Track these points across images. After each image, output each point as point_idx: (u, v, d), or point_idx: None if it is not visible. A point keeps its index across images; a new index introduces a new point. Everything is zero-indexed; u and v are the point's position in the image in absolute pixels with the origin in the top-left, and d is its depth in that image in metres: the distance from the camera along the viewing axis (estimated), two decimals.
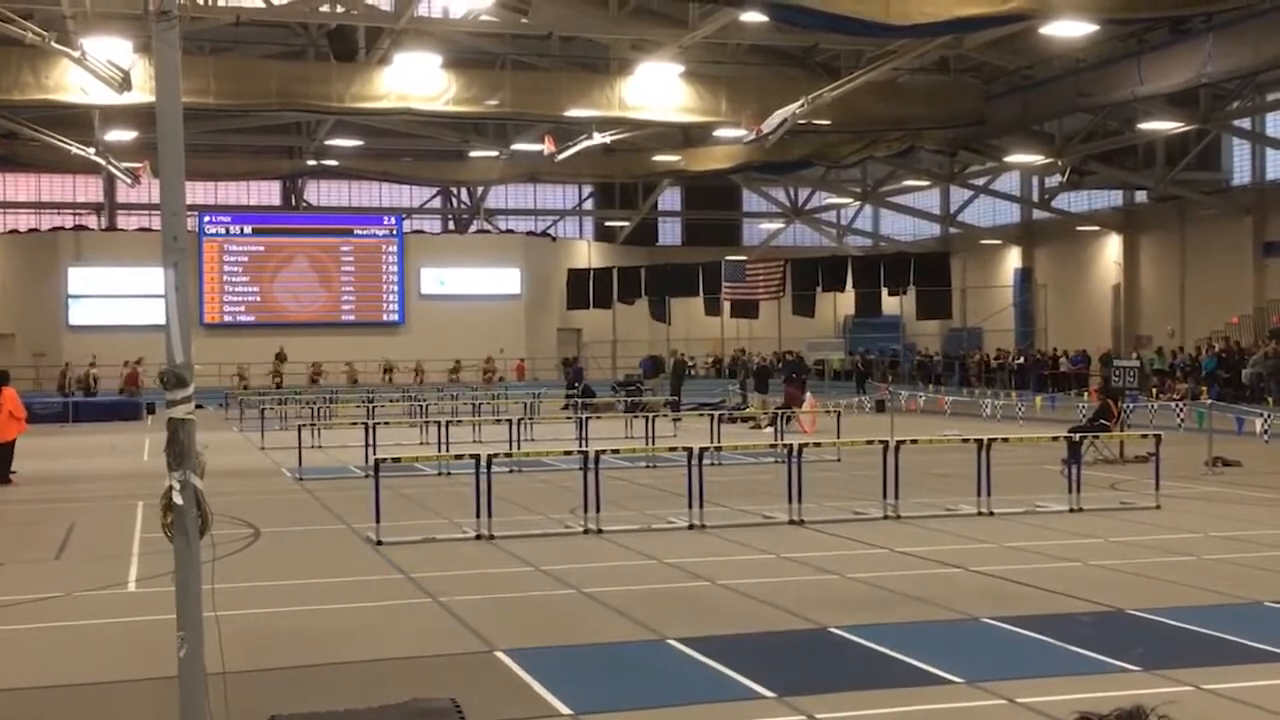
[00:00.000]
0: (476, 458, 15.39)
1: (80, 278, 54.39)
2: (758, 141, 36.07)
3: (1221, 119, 42.04)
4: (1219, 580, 11.76)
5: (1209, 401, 27.68)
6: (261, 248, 56.25)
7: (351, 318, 57.11)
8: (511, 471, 20.98)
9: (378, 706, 7.70)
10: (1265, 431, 25.10)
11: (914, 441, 18.41)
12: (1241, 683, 8.24)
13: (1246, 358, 39.13)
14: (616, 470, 20.63)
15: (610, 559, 13.40)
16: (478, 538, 14.66)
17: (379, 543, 14.25)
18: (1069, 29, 29.73)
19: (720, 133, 41.93)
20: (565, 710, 7.83)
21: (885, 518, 15.95)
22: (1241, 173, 46.02)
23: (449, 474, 21.12)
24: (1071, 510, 16.40)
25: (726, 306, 53.76)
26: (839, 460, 22.34)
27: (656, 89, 37.33)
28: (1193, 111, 40.20)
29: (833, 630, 9.84)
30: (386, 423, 28.84)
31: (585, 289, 57.27)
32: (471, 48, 42.96)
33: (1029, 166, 49.26)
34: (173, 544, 6.50)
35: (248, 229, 56.58)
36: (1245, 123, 43.99)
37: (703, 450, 16.52)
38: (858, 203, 63.91)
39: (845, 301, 55.84)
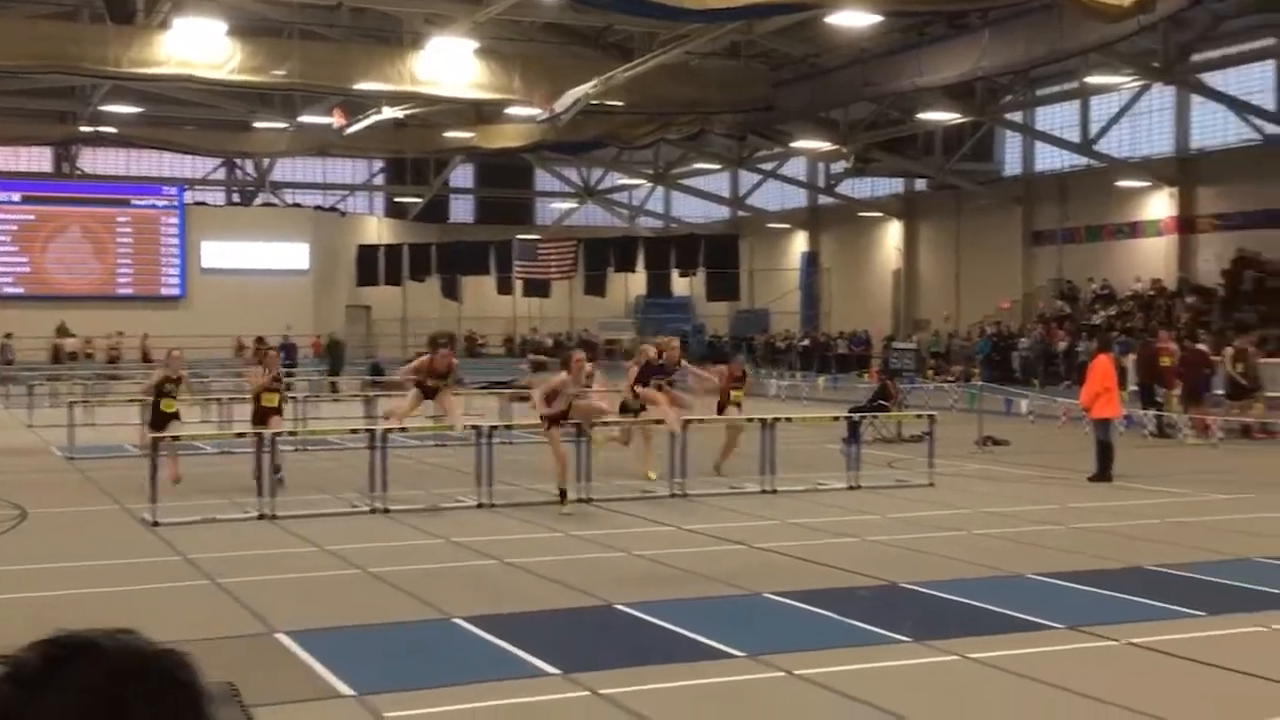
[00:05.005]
0: (259, 435, 15.05)
1: None
2: (551, 121, 36.02)
3: (995, 112, 43.78)
4: (987, 554, 12.30)
5: (979, 383, 28.84)
6: (32, 216, 53.59)
7: (129, 291, 54.90)
8: (297, 450, 20.56)
9: None
10: (1031, 412, 26.27)
11: (701, 421, 18.70)
12: (1004, 651, 8.64)
13: (1016, 341, 40.95)
14: (405, 449, 20.41)
15: (397, 538, 13.28)
16: (260, 517, 14.34)
17: (155, 524, 13.81)
18: (853, 19, 30.46)
19: (513, 111, 41.69)
20: (347, 691, 7.73)
21: (672, 496, 16.20)
22: (1013, 164, 48.01)
23: (230, 453, 20.59)
24: (851, 488, 16.94)
25: (519, 285, 53.71)
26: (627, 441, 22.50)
27: (449, 64, 36.87)
28: (969, 104, 41.71)
29: (618, 607, 9.95)
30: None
31: (375, 266, 56.39)
32: (258, 15, 41.66)
33: (815, 152, 50.36)
34: None
35: (16, 196, 53.89)
36: (1017, 116, 45.89)
37: (492, 429, 16.49)
38: (649, 184, 64.41)
39: (636, 282, 56.36)
